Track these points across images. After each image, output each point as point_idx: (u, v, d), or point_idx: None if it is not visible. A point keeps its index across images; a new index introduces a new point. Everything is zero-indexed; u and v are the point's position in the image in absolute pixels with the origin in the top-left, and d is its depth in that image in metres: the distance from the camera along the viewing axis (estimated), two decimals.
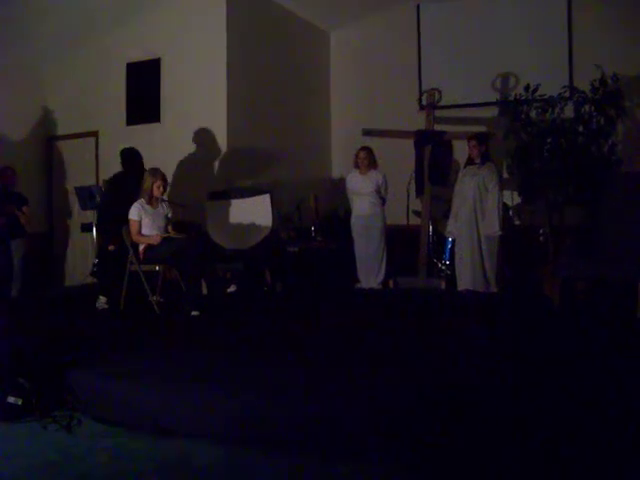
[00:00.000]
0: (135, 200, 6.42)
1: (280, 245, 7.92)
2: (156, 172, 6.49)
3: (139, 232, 6.37)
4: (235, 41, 8.34)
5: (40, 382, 4.04)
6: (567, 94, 7.76)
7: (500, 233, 7.02)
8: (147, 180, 6.44)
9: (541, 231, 7.93)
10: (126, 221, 6.41)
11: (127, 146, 7.20)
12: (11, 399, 3.89)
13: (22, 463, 3.35)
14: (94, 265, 7.71)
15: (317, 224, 8.84)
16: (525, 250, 7.80)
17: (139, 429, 3.71)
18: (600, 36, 8.56)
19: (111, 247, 6.78)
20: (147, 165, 6.75)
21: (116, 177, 7.23)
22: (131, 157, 7.06)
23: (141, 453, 3.45)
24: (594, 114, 7.50)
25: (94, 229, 8.05)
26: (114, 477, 3.22)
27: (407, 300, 7.02)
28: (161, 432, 3.63)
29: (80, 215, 8.71)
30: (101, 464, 3.33)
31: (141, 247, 6.42)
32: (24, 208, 7.46)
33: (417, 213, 8.40)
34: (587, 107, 7.52)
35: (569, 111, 7.66)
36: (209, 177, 8.26)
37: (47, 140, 9.48)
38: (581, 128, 7.56)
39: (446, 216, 7.73)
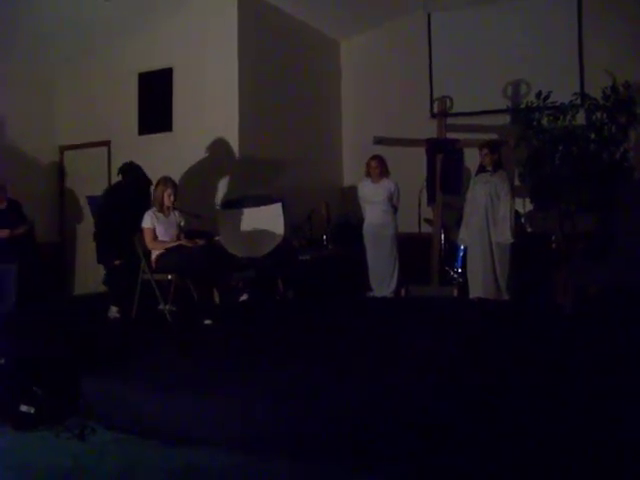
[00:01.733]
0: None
1: (292, 253, 7.91)
2: (167, 181, 6.51)
3: (154, 238, 6.37)
4: (247, 51, 8.40)
5: (53, 391, 4.06)
6: (578, 101, 7.74)
7: (512, 241, 7.00)
8: (158, 189, 6.47)
9: (553, 238, 7.89)
10: (128, 231, 6.43)
11: (135, 158, 7.24)
12: (24, 407, 3.92)
13: (35, 471, 3.37)
14: (106, 274, 7.72)
15: (329, 232, 8.84)
16: (537, 257, 7.75)
17: (151, 437, 3.72)
18: (611, 43, 8.54)
19: (117, 262, 6.79)
20: (159, 175, 6.77)
21: (113, 188, 7.25)
22: (129, 169, 7.08)
23: (153, 461, 3.46)
24: (606, 121, 7.47)
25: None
26: None
27: (419, 308, 7.00)
28: (173, 440, 3.63)
29: (91, 224, 8.74)
30: (113, 472, 3.33)
31: (153, 256, 6.42)
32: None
33: (429, 221, 8.38)
34: (599, 114, 7.50)
35: (581, 118, 7.63)
36: (221, 186, 8.29)
37: (59, 150, 9.56)
38: (593, 135, 7.53)
39: (458, 224, 7.71)
